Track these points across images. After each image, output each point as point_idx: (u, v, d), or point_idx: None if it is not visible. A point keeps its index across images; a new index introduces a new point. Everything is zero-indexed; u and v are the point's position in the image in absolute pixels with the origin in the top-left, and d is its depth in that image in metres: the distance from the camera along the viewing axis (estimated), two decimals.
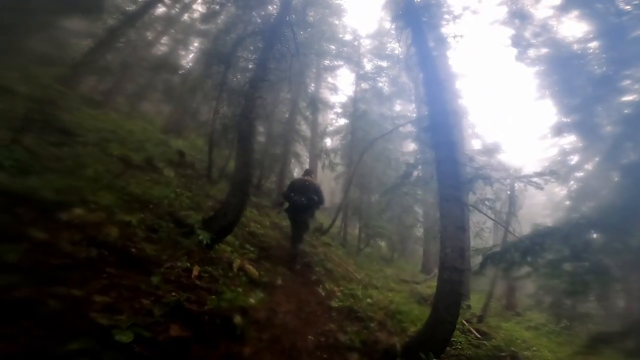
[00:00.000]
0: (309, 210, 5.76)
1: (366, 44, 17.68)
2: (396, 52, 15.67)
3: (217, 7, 11.25)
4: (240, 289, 3.18)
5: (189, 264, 3.00)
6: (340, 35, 15.83)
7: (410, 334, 4.06)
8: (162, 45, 16.05)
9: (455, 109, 11.99)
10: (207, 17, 11.96)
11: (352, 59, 15.96)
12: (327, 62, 16.78)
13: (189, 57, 17.79)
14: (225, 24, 11.25)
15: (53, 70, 6.34)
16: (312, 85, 17.44)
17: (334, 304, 4.61)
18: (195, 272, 2.90)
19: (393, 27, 6.47)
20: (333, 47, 15.52)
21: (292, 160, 16.29)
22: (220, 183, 9.75)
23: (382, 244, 16.99)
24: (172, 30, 15.96)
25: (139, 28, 13.10)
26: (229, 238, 4.71)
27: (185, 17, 16.20)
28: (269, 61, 5.27)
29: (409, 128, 17.56)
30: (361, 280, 6.89)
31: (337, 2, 15.65)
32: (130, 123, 10.71)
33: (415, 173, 14.27)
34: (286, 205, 5.94)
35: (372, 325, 4.14)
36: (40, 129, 5.24)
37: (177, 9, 15.58)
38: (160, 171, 6.50)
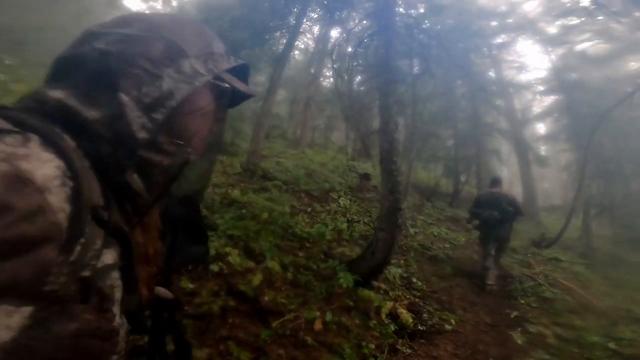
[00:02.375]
0: (505, 224, 5.02)
1: (533, 7, 12.92)
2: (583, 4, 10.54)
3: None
4: (372, 345, 2.61)
5: (318, 313, 2.74)
6: (492, 8, 12.42)
7: None
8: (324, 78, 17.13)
9: None
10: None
11: (524, 26, 12.04)
12: (496, 40, 13.37)
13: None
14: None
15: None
16: (491, 71, 14.24)
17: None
18: (318, 325, 2.60)
19: None
20: (494, 22, 12.22)
21: (493, 159, 13.59)
22: (405, 200, 9.29)
23: None
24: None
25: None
26: (393, 272, 4.18)
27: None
28: (392, 59, 4.52)
29: None
30: (607, 313, 4.50)
31: None
32: (323, 155, 12.14)
33: None
34: (475, 222, 5.36)
35: None
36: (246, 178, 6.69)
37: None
38: (336, 201, 6.81)
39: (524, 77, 15.02)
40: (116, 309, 0.43)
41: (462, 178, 13.08)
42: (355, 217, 6.43)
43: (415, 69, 11.40)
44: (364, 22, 7.61)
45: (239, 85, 0.56)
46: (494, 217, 4.92)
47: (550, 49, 12.11)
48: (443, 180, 13.46)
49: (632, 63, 11.65)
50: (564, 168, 13.47)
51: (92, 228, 0.38)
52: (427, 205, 9.68)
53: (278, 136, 13.85)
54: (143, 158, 0.45)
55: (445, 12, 11.56)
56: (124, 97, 0.43)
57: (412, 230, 6.56)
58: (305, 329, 2.55)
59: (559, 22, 11.65)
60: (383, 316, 3.12)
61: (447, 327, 3.40)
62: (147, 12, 0.58)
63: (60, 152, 0.35)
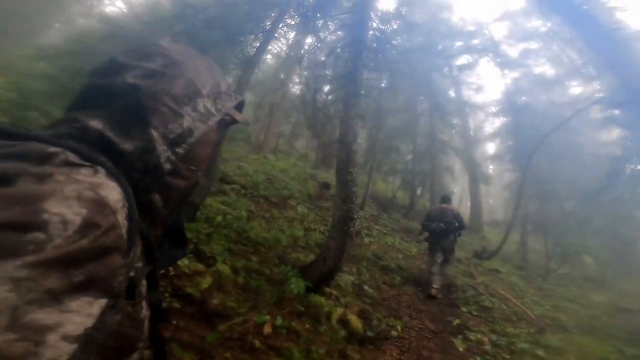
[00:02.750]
0: (449, 235, 5.61)
1: (497, 29, 14.30)
2: (543, 30, 11.87)
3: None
4: (322, 350, 2.63)
5: (268, 317, 2.72)
6: (460, 28, 13.38)
7: None
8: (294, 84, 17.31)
9: None
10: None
11: (487, 48, 13.12)
12: (458, 60, 14.43)
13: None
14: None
15: None
16: (451, 90, 15.30)
17: None
18: (267, 329, 2.58)
19: None
20: (459, 43, 13.24)
21: (446, 175, 14.45)
22: (362, 210, 9.53)
23: (588, 261, 12.25)
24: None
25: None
26: (345, 279, 4.25)
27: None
28: (360, 72, 4.69)
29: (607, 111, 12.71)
30: (536, 321, 4.93)
31: None
32: (285, 162, 12.12)
33: (628, 168, 9.91)
34: (425, 234, 5.89)
35: None
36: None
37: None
38: (295, 208, 6.82)
39: (480, 98, 16.18)
40: (144, 303, 0.52)
41: (418, 191, 13.73)
42: (312, 225, 6.47)
43: (382, 83, 11.97)
44: (338, 32, 7.88)
45: (239, 117, 0.64)
46: (441, 228, 5.52)
47: (506, 72, 13.20)
48: (400, 193, 14.01)
49: (574, 89, 13.04)
50: (506, 187, 14.62)
51: (137, 238, 0.47)
52: (383, 216, 10.00)
53: (241, 140, 13.61)
54: (166, 182, 0.53)
55: (417, 30, 12.24)
56: (154, 133, 0.50)
57: (367, 240, 6.75)
58: (254, 332, 2.51)
59: (520, 46, 12.66)
60: (334, 322, 3.16)
61: (394, 333, 3.53)
62: (162, 44, 0.63)
63: (119, 180, 0.44)
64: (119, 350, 0.46)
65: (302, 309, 3.09)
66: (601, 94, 8.95)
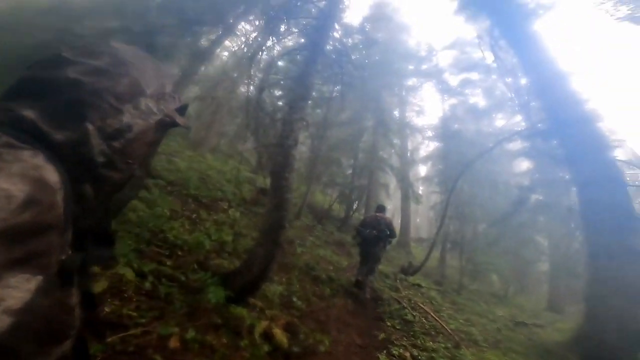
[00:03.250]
0: (380, 242, 5.82)
1: (445, 56, 15.85)
2: (486, 61, 13.46)
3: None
4: None
5: (176, 329, 2.32)
6: (414, 52, 14.42)
7: None
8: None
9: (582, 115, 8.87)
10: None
11: (433, 74, 14.28)
12: (409, 82, 15.47)
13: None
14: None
15: None
16: (397, 110, 16.27)
17: None
18: (174, 342, 2.19)
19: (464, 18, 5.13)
20: (411, 66, 14.27)
21: (382, 192, 15.09)
22: (298, 219, 9.35)
23: (494, 278, 13.69)
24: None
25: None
26: (273, 290, 3.97)
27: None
28: (311, 77, 4.58)
29: (520, 144, 14.58)
30: (452, 335, 5.18)
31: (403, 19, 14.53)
32: (223, 163, 11.47)
33: (532, 197, 11.37)
34: (359, 239, 6.09)
35: None
36: None
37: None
38: (226, 211, 6.35)
39: (420, 121, 17.31)
40: (74, 290, 0.52)
41: (354, 205, 14.05)
42: (244, 230, 6.07)
43: (333, 94, 12.12)
44: (301, 40, 7.74)
45: (179, 120, 0.65)
46: (374, 235, 5.74)
47: (446, 98, 14.34)
48: (337, 205, 14.17)
49: (499, 121, 14.62)
50: (432, 207, 15.75)
51: (70, 223, 0.48)
52: (318, 227, 9.94)
53: (179, 135, 12.55)
54: (100, 174, 0.53)
55: (376, 47, 12.69)
56: (90, 127, 0.51)
57: (299, 250, 6.54)
58: (157, 346, 2.10)
59: (461, 75, 13.78)
60: (256, 335, 2.85)
61: (322, 348, 3.34)
62: (113, 44, 0.64)
63: (56, 165, 0.46)
64: (51, 336, 0.46)
65: (220, 321, 2.73)
66: (521, 127, 10.12)
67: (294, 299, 4.18)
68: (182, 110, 0.69)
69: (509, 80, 9.76)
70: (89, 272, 0.57)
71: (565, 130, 5.14)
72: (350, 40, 11.91)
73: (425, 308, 6.03)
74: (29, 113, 0.48)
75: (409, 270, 8.49)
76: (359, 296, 5.47)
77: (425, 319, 5.54)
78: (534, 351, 5.96)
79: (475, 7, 6.71)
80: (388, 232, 5.83)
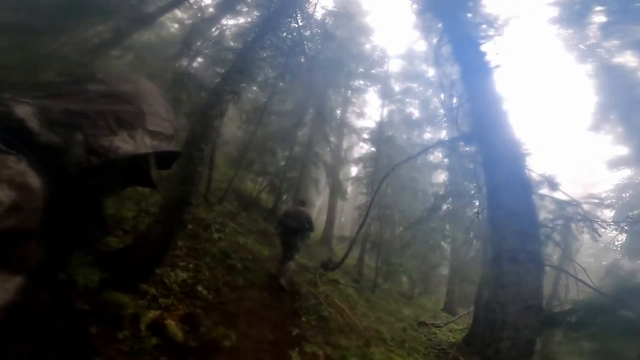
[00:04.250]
0: (299, 233, 6.01)
1: (395, 64, 16.43)
2: (427, 74, 14.37)
3: None
4: None
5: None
6: (368, 55, 14.62)
7: None
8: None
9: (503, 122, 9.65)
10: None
11: (380, 78, 14.64)
12: (355, 83, 15.61)
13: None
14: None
15: None
16: (339, 109, 16.35)
17: None
18: None
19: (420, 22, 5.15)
20: (362, 68, 14.42)
21: (312, 187, 14.97)
22: (221, 204, 8.60)
23: (404, 279, 14.69)
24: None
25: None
26: (175, 276, 3.35)
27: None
28: (255, 53, 4.06)
29: (439, 156, 15.84)
30: (364, 333, 5.16)
31: (364, 21, 14.72)
32: None
33: (444, 207, 12.39)
34: (280, 229, 6.19)
35: None
36: None
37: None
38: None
39: (358, 123, 17.54)
40: (45, 290, 0.54)
41: (283, 197, 13.64)
42: (152, 207, 5.22)
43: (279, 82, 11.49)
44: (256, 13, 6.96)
45: (152, 173, 0.69)
46: (294, 226, 5.91)
47: (386, 103, 14.63)
48: (265, 195, 13.62)
49: (427, 133, 15.50)
50: (357, 207, 16.20)
51: (51, 222, 0.49)
52: (242, 215, 9.30)
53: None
54: (76, 180, 0.55)
55: (332, 43, 12.34)
56: (79, 137, 0.53)
57: (216, 235, 5.91)
58: None
59: (404, 85, 14.13)
60: (142, 327, 2.27)
61: (226, 343, 2.87)
62: (138, 77, 0.67)
63: (39, 170, 0.47)
64: (15, 333, 0.47)
65: (87, 307, 2.08)
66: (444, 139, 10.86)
67: (200, 288, 3.62)
68: (172, 156, 0.73)
69: (442, 96, 10.46)
70: (65, 266, 0.52)
71: (485, 135, 5.44)
72: (308, 31, 11.51)
73: (341, 305, 5.94)
74: (21, 111, 0.49)
75: (328, 266, 8.42)
76: (278, 281, 5.43)
77: (340, 316, 5.43)
78: (432, 351, 6.32)
79: (430, 16, 6.89)
80: (307, 226, 6.04)
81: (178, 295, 3.15)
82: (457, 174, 12.50)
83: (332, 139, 15.58)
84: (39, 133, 0.49)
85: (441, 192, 12.07)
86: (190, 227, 5.40)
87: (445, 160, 15.23)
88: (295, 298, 5.37)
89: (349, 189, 26.02)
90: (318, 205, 25.91)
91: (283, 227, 6.06)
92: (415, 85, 14.29)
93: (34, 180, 0.44)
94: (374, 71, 14.65)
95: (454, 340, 8.13)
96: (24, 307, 0.44)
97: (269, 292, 5.01)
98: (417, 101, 14.58)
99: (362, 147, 18.11)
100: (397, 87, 15.20)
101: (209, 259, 4.68)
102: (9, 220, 0.37)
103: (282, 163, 13.93)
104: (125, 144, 0.57)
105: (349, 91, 16.01)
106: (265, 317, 4.16)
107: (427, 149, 10.81)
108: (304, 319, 4.60)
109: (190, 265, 4.00)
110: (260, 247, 7.40)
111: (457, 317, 12.01)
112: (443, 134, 15.13)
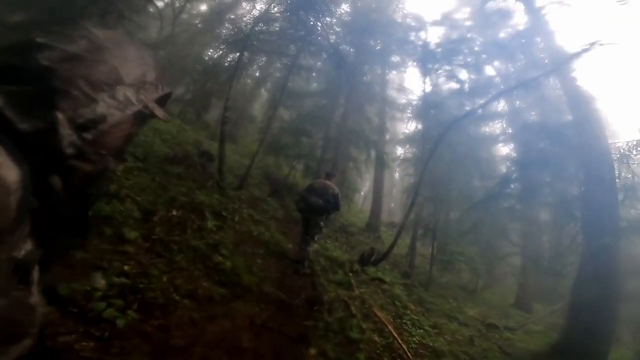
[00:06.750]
0: (324, 213, 4.91)
1: (433, 33, 13.62)
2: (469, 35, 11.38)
3: None
4: None
5: None
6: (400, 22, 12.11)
7: None
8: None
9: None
10: None
11: (418, 49, 12.01)
12: (393, 58, 13.14)
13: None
14: None
15: None
16: (377, 85, 14.01)
17: None
18: None
19: None
20: (394, 46, 11.98)
21: (352, 171, 12.96)
22: (241, 189, 7.12)
23: (464, 270, 12.00)
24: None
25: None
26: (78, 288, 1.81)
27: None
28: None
29: (501, 126, 12.73)
30: (407, 354, 3.23)
31: None
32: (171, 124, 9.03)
33: (512, 184, 9.63)
34: (302, 205, 4.97)
35: None
36: None
37: None
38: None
39: (402, 99, 15.04)
40: (34, 288, 0.46)
41: None
42: (130, 192, 3.84)
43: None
44: None
45: (158, 113, 0.58)
46: (319, 204, 4.79)
47: (427, 79, 11.93)
48: (301, 179, 12.09)
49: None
50: (405, 189, 13.87)
51: (27, 220, 0.42)
52: (268, 201, 7.79)
53: None
54: (70, 165, 0.47)
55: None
56: (60, 116, 0.45)
57: (211, 224, 4.35)
58: None
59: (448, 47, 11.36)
60: None
61: None
62: (90, 27, 0.49)
63: (17, 160, 0.40)
64: (9, 335, 0.42)
65: None
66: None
67: (116, 306, 2.01)
68: (163, 99, 0.61)
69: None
70: (53, 268, 0.52)
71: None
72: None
73: (382, 316, 4.04)
74: None
75: (369, 260, 6.49)
76: (296, 267, 4.59)
77: (377, 336, 3.54)
78: None
79: None
80: (333, 203, 4.86)
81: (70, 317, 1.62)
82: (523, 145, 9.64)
83: (373, 117, 13.43)
84: (17, 121, 0.42)
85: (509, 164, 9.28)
86: (175, 213, 3.94)
87: (509, 129, 12.16)
88: (313, 309, 3.61)
89: (396, 174, 23.45)
90: (363, 193, 23.78)
91: (305, 204, 4.93)
92: (458, 58, 11.17)
93: (10, 172, 0.38)
94: (411, 39, 12.03)
95: (535, 347, 5.91)
96: (5, 310, 0.38)
97: (271, 302, 3.31)
98: (467, 71, 11.54)
99: (406, 126, 15.53)
100: (439, 57, 12.28)
101: (182, 257, 3.12)
102: None
103: (320, 143, 12.24)
104: (111, 109, 0.49)
105: (387, 68, 13.64)
106: (248, 349, 2.47)
107: (485, 104, 8.19)
108: (313, 351, 2.80)
109: (126, 268, 2.45)
110: (282, 237, 5.78)
111: (533, 316, 9.35)
112: (502, 107, 12.07)
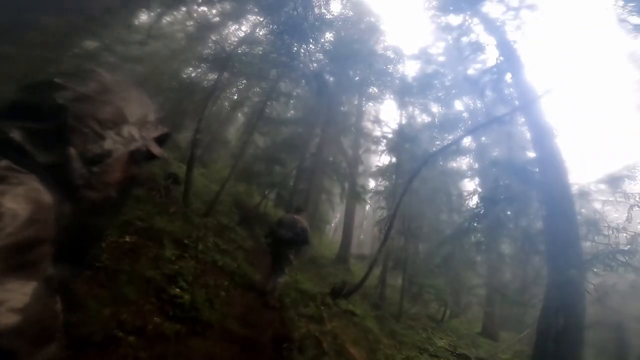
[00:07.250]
0: (293, 245, 4.84)
1: (410, 66, 14.33)
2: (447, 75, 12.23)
3: None
4: None
5: None
6: (381, 56, 12.73)
7: None
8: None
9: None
10: None
11: (395, 81, 12.61)
12: (370, 90, 13.64)
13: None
14: None
15: None
16: (354, 116, 14.43)
17: None
18: None
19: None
20: (372, 77, 12.52)
21: (325, 204, 12.83)
22: (207, 216, 6.68)
23: (432, 300, 11.78)
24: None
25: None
26: None
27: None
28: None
29: (468, 162, 13.41)
30: None
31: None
32: None
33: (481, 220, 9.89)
34: (269, 240, 4.99)
35: None
36: None
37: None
38: None
39: (376, 132, 15.40)
40: (58, 297, 0.49)
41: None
42: None
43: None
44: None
45: (154, 150, 0.63)
46: (288, 236, 4.77)
47: (402, 112, 12.35)
48: (272, 209, 11.73)
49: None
50: (377, 222, 13.88)
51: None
52: (236, 230, 7.35)
53: None
54: (79, 194, 0.51)
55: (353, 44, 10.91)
56: (72, 151, 0.49)
57: (169, 253, 3.95)
58: None
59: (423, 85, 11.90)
60: None
61: None
62: (100, 71, 0.56)
63: (48, 187, 0.45)
64: (42, 338, 0.44)
65: None
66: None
67: None
68: (162, 138, 0.67)
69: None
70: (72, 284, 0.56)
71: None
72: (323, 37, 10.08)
73: (354, 353, 3.71)
74: (16, 135, 0.47)
75: (341, 292, 6.18)
76: (264, 299, 4.37)
77: None
78: None
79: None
80: (303, 237, 4.84)
81: None
82: (489, 180, 10.13)
83: (347, 149, 13.66)
84: (36, 154, 0.47)
85: (478, 200, 9.58)
86: (127, 239, 3.51)
87: (475, 165, 12.80)
88: (281, 347, 3.23)
89: (367, 206, 23.63)
90: (334, 224, 23.58)
91: (274, 238, 4.88)
92: (435, 84, 11.89)
93: (46, 196, 0.44)
94: (389, 71, 12.61)
95: None
96: (41, 314, 0.42)
97: (234, 341, 2.92)
98: (438, 105, 12.24)
99: (379, 159, 15.92)
100: (415, 90, 12.98)
101: (131, 288, 2.70)
102: (27, 231, 0.38)
103: (293, 172, 12.10)
104: (116, 144, 0.54)
105: (363, 98, 14.16)
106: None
107: (459, 139, 8.56)
108: None
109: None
110: (250, 268, 5.37)
111: (500, 344, 9.25)
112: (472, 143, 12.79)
